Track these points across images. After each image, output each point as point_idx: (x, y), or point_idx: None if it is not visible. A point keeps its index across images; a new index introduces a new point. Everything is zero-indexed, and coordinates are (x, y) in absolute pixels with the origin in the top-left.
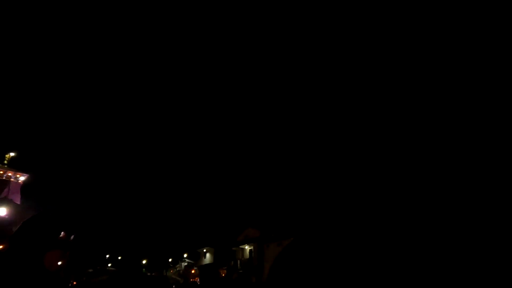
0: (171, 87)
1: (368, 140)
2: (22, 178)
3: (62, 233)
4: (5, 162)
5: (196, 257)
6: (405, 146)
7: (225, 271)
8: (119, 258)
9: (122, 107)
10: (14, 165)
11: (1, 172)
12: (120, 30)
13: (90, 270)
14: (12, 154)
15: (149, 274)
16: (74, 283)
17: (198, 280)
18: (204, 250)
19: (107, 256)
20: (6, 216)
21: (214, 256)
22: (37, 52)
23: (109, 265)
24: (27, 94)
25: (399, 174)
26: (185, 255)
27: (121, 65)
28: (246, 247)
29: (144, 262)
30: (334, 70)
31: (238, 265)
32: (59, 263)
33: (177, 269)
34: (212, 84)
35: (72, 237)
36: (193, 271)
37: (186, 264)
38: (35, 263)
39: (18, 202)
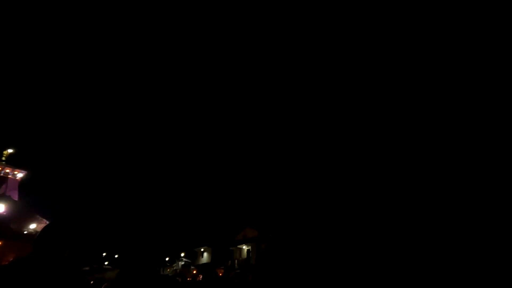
0: (170, 87)
1: (367, 140)
2: (20, 175)
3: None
4: (3, 158)
5: (194, 256)
6: (402, 146)
7: (223, 270)
8: (116, 256)
9: (121, 105)
10: (12, 162)
11: None
12: (120, 27)
13: (87, 268)
14: (10, 150)
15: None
16: None
17: (200, 277)
18: (202, 250)
19: (104, 254)
20: (4, 213)
21: (212, 255)
22: (36, 49)
23: (106, 263)
24: (25, 91)
25: (398, 176)
26: (182, 254)
27: (120, 63)
28: (244, 247)
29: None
30: (331, 69)
31: (236, 265)
32: None
33: (174, 268)
34: (210, 84)
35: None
36: (194, 271)
37: (183, 263)
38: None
39: (16, 199)
